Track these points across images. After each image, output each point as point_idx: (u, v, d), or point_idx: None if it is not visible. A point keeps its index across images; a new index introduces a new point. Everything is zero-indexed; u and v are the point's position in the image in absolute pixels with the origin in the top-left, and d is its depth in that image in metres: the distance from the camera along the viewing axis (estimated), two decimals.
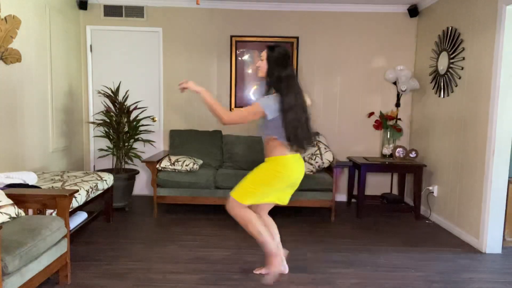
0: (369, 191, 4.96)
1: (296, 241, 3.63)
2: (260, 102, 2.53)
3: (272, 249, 2.68)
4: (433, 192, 4.38)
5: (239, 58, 5.01)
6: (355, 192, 4.83)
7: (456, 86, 3.97)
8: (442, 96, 4.22)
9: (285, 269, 2.89)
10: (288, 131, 2.52)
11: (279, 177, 2.62)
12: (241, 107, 5.04)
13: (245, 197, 2.65)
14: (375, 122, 4.85)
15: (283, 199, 2.78)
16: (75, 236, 3.21)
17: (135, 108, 4.52)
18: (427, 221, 4.35)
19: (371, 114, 4.88)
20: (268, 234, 2.69)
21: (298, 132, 2.54)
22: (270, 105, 2.51)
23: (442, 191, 4.22)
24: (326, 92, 5.07)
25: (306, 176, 4.20)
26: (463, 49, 3.84)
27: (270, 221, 2.90)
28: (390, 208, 4.68)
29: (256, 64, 2.69)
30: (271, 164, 2.64)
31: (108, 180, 3.79)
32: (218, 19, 4.95)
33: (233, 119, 2.58)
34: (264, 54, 2.60)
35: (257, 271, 2.91)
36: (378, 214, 4.57)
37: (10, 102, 3.52)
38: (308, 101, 2.70)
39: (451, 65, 4.04)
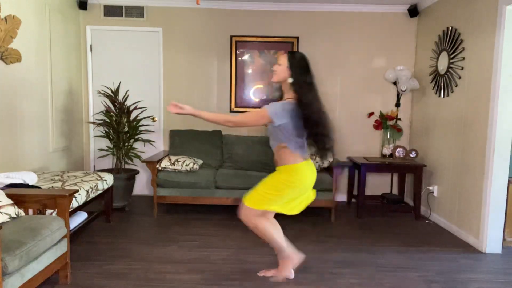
0: (369, 191, 4.96)
1: (296, 241, 3.62)
2: (268, 108, 2.50)
3: (288, 253, 2.72)
4: (433, 192, 4.38)
5: (239, 58, 5.01)
6: (355, 192, 4.83)
7: (456, 86, 3.97)
8: (442, 96, 4.22)
9: (292, 275, 2.86)
10: (318, 143, 2.54)
11: (293, 187, 2.60)
12: (241, 107, 5.07)
13: (258, 202, 2.62)
14: (375, 122, 4.85)
15: (293, 209, 2.73)
16: (75, 236, 3.21)
17: (135, 108, 4.51)
18: (427, 221, 4.35)
19: (371, 114, 4.88)
20: (282, 238, 2.71)
21: (326, 142, 2.54)
22: (277, 111, 2.49)
23: (442, 191, 4.22)
24: (326, 92, 5.05)
25: None
26: (463, 49, 3.84)
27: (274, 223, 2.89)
28: (390, 208, 4.68)
29: (273, 68, 2.63)
30: (284, 174, 2.60)
31: (108, 180, 3.79)
32: (218, 19, 4.95)
33: (238, 121, 2.58)
34: (283, 58, 2.57)
35: (261, 274, 2.89)
36: (378, 214, 4.57)
37: (10, 102, 3.52)
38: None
39: (451, 65, 4.04)
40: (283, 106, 2.50)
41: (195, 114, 2.53)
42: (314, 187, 4.09)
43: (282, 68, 2.55)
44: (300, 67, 2.53)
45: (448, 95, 4.13)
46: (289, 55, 2.57)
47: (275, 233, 2.71)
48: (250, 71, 5.04)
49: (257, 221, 2.66)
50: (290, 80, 2.53)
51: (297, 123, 2.50)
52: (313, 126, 2.50)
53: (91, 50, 4.97)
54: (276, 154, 2.66)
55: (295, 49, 4.97)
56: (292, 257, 2.77)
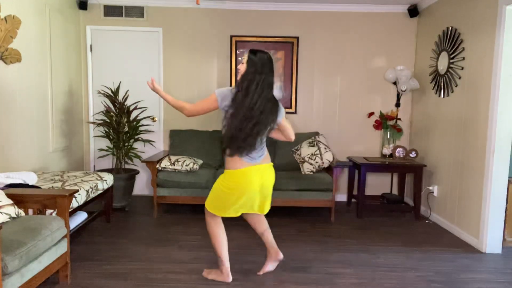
0: (369, 191, 4.96)
1: (296, 241, 3.63)
2: (216, 90, 2.56)
3: (223, 268, 2.74)
4: (433, 192, 4.38)
5: (239, 58, 5.01)
6: (355, 192, 4.83)
7: (456, 86, 3.97)
8: (442, 96, 4.22)
9: (280, 255, 2.91)
10: (226, 133, 2.48)
11: (233, 194, 2.57)
12: None
13: (211, 207, 2.70)
14: (375, 122, 4.85)
15: (256, 209, 2.72)
16: (75, 236, 3.21)
17: (135, 108, 4.52)
18: (427, 221, 4.35)
19: (371, 114, 4.88)
20: (226, 250, 2.74)
21: (236, 138, 2.45)
22: (223, 91, 2.52)
23: (442, 191, 4.22)
24: (326, 92, 5.07)
25: (306, 176, 4.25)
26: (463, 49, 3.84)
27: (257, 218, 2.90)
28: (390, 208, 4.68)
29: (238, 66, 2.66)
30: (224, 179, 2.61)
31: (108, 180, 3.79)
32: (218, 19, 4.95)
33: (191, 109, 2.61)
34: (245, 57, 2.55)
35: (261, 272, 2.89)
36: (378, 214, 4.57)
37: (10, 102, 3.52)
38: (280, 114, 2.57)
39: (451, 65, 4.04)
40: (229, 90, 2.53)
41: (163, 96, 2.67)
42: (314, 187, 4.15)
43: (243, 65, 2.54)
44: (253, 65, 2.47)
45: (448, 95, 4.13)
46: (249, 52, 2.54)
47: (223, 242, 2.73)
48: None
49: (210, 222, 2.74)
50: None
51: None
52: (228, 119, 2.48)
53: (91, 50, 4.97)
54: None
55: (295, 49, 4.97)
56: (224, 273, 2.75)
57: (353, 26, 4.97)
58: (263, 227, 2.89)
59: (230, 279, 2.74)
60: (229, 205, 2.63)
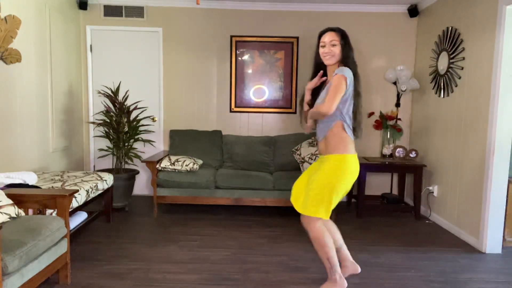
0: (369, 191, 4.96)
1: (296, 241, 3.63)
2: (343, 73, 2.32)
3: (336, 276, 2.48)
4: (433, 192, 4.38)
5: (239, 58, 5.01)
6: (355, 192, 4.83)
7: (456, 86, 3.97)
8: (442, 96, 4.22)
9: (358, 268, 2.70)
10: (355, 117, 2.44)
11: (345, 182, 2.39)
12: (241, 107, 5.07)
13: (318, 208, 2.41)
14: (375, 122, 4.85)
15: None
16: (75, 236, 3.21)
17: (135, 108, 4.52)
18: (427, 221, 4.35)
19: (371, 114, 4.88)
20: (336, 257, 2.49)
21: (359, 120, 2.46)
22: (350, 76, 2.35)
23: (442, 191, 4.22)
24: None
25: None
26: (463, 49, 3.84)
27: (331, 223, 2.68)
28: (390, 208, 4.68)
29: (324, 51, 2.43)
30: (336, 166, 2.38)
31: (108, 180, 3.80)
32: (218, 19, 4.95)
33: (329, 108, 2.32)
34: (335, 37, 2.41)
35: None
36: (378, 214, 4.57)
37: (10, 102, 3.52)
38: None
39: (451, 65, 4.04)
40: (350, 71, 2.38)
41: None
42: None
43: (338, 48, 2.42)
44: (349, 44, 2.46)
45: (448, 95, 4.13)
46: (338, 33, 2.44)
47: (333, 248, 2.47)
48: (250, 71, 5.04)
49: (319, 231, 2.46)
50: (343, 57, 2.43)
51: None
52: (358, 103, 2.45)
53: (91, 50, 4.97)
54: (325, 140, 2.46)
55: (295, 49, 4.97)
56: (339, 281, 2.48)
57: (353, 26, 4.97)
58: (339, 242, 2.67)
59: (346, 283, 2.50)
60: (337, 196, 2.42)
